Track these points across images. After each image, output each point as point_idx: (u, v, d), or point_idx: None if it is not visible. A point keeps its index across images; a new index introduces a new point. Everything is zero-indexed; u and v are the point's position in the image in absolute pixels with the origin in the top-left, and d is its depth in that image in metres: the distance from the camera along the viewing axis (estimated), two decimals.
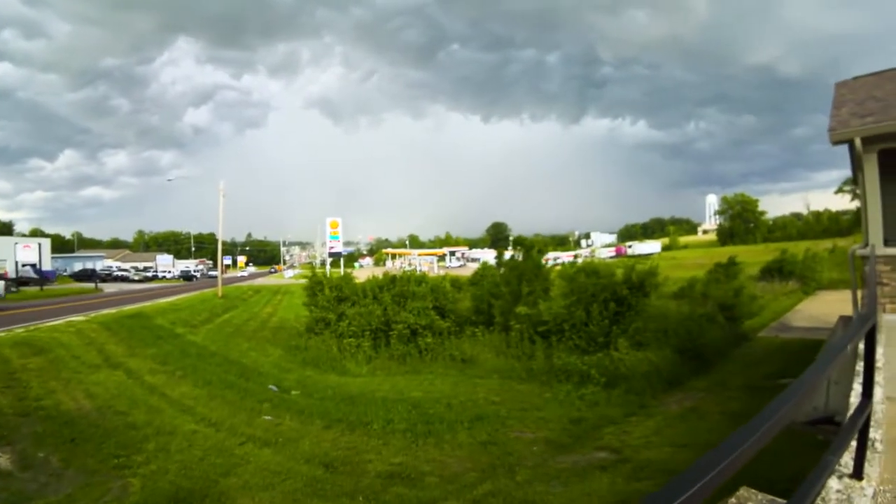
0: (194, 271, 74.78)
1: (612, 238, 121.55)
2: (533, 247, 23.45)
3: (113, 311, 26.41)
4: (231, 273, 77.49)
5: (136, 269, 74.88)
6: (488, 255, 59.89)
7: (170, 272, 75.30)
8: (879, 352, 4.96)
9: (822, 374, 2.10)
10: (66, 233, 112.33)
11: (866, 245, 8.42)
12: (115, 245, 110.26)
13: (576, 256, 50.30)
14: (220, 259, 46.46)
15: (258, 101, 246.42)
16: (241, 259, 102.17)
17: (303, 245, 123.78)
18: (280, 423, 12.05)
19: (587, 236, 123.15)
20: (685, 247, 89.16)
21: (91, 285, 50.28)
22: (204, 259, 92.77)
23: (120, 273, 67.64)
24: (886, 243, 8.20)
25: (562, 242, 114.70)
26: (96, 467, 8.78)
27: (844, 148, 9.34)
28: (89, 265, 68.13)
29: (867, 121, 8.38)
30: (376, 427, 11.83)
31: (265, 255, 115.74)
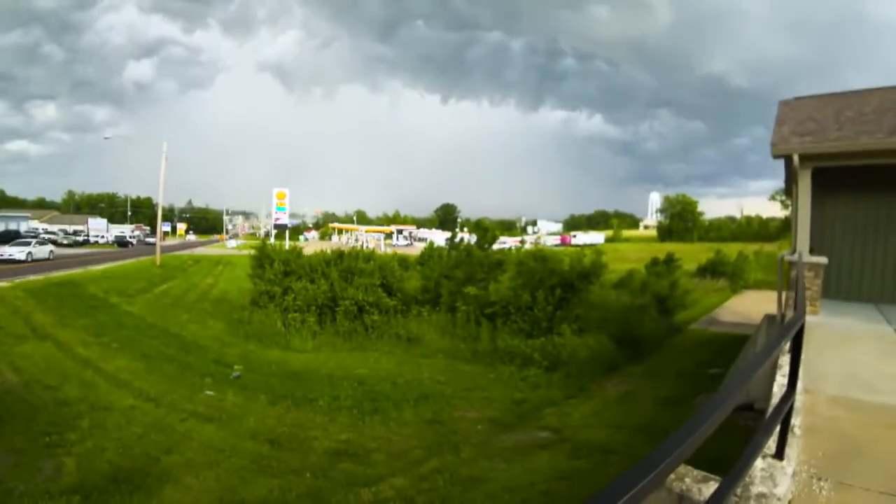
0: (130, 237, 70.96)
1: (558, 227, 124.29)
2: (489, 230, 23.70)
3: (40, 277, 24.94)
4: (171, 240, 73.97)
5: (66, 232, 70.12)
6: (436, 236, 59.97)
7: (103, 237, 71.14)
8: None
9: (762, 365, 2.37)
10: None
11: (794, 252, 9.19)
12: (42, 206, 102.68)
13: (522, 242, 51.09)
14: (160, 225, 44.39)
15: (208, 59, 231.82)
16: (181, 226, 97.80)
17: (246, 215, 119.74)
18: (223, 399, 11.91)
19: (534, 223, 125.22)
20: (627, 240, 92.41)
21: None
22: (140, 224, 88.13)
23: (47, 236, 63.45)
24: (811, 252, 9.04)
25: (508, 228, 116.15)
26: (25, 446, 8.37)
27: (778, 161, 10.17)
28: (12, 226, 63.35)
29: (806, 140, 9.09)
30: (322, 404, 11.89)
31: (206, 223, 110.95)
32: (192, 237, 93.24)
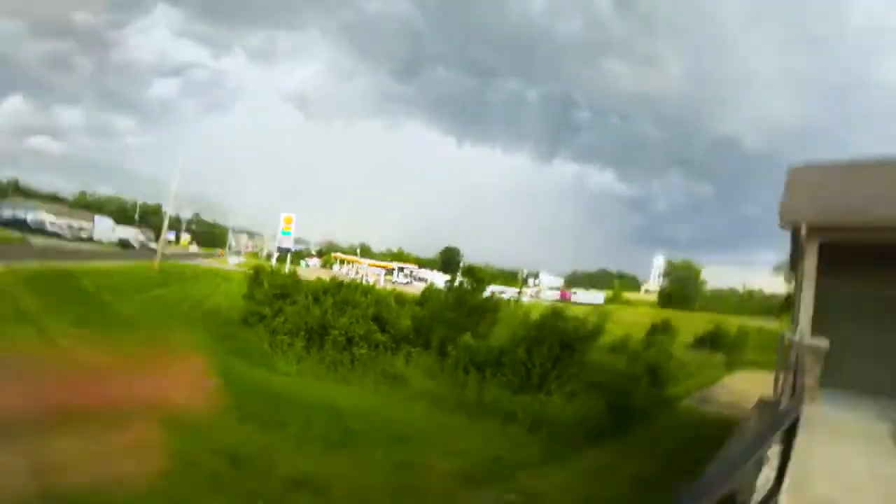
0: (134, 240, 71.13)
1: (560, 281, 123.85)
2: (483, 280, 23.64)
3: (37, 264, 24.77)
4: (174, 249, 73.97)
5: (72, 227, 70.65)
6: (436, 277, 59.64)
7: (107, 236, 71.27)
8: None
9: (749, 459, 2.16)
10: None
11: (795, 331, 8.72)
12: (54, 199, 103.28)
13: (519, 293, 50.69)
14: (164, 231, 44.71)
15: (231, 84, 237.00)
16: (186, 237, 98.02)
17: (251, 234, 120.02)
18: (192, 409, 11.52)
19: (535, 275, 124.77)
20: (627, 302, 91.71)
21: (18, 235, 47.15)
22: (146, 229, 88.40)
23: (53, 229, 63.73)
24: (814, 332, 8.44)
25: (510, 278, 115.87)
26: None
27: (784, 231, 9.47)
28: (20, 215, 63.80)
29: (815, 210, 8.78)
30: (292, 430, 11.53)
31: (211, 237, 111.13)
32: (194, 248, 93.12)
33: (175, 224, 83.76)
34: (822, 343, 8.08)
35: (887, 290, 8.92)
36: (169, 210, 46.87)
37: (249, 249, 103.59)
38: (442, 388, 17.39)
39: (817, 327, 8.69)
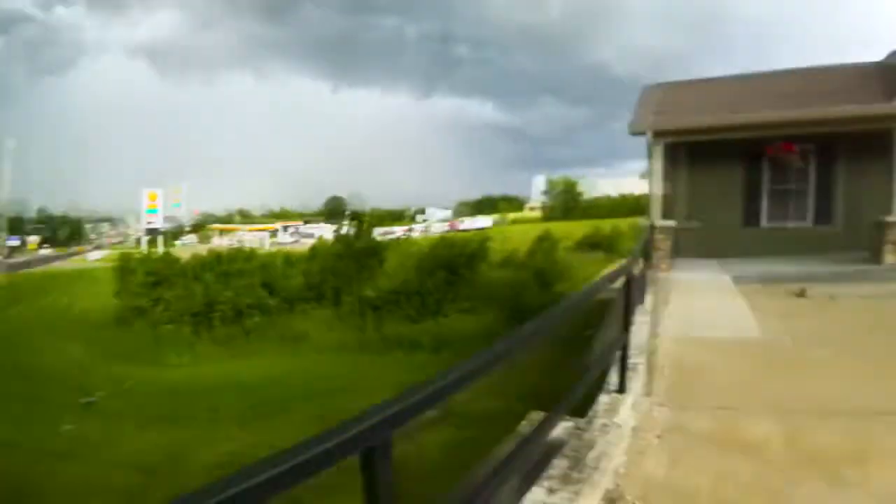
0: None
1: (447, 213, 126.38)
2: (367, 223, 23.66)
3: None
4: (20, 257, 65.09)
5: None
6: (325, 230, 58.44)
7: None
8: (648, 299, 5.99)
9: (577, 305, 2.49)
10: None
11: (650, 218, 10.28)
12: None
13: (409, 230, 51.18)
14: (4, 237, 39.20)
15: (69, 40, 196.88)
16: (33, 239, 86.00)
17: (113, 221, 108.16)
18: (85, 432, 10.74)
19: (422, 211, 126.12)
20: (514, 222, 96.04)
21: None
22: None
23: None
24: (663, 217, 10.12)
25: (399, 217, 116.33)
26: None
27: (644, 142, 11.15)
28: None
29: (659, 119, 10.25)
30: (202, 419, 11.15)
31: (65, 233, 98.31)
32: (46, 251, 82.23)
33: (17, 224, 72.94)
34: (669, 223, 9.85)
35: (725, 178, 10.96)
36: (4, 209, 40.76)
37: (113, 240, 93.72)
38: (343, 336, 17.56)
39: (672, 213, 10.37)
